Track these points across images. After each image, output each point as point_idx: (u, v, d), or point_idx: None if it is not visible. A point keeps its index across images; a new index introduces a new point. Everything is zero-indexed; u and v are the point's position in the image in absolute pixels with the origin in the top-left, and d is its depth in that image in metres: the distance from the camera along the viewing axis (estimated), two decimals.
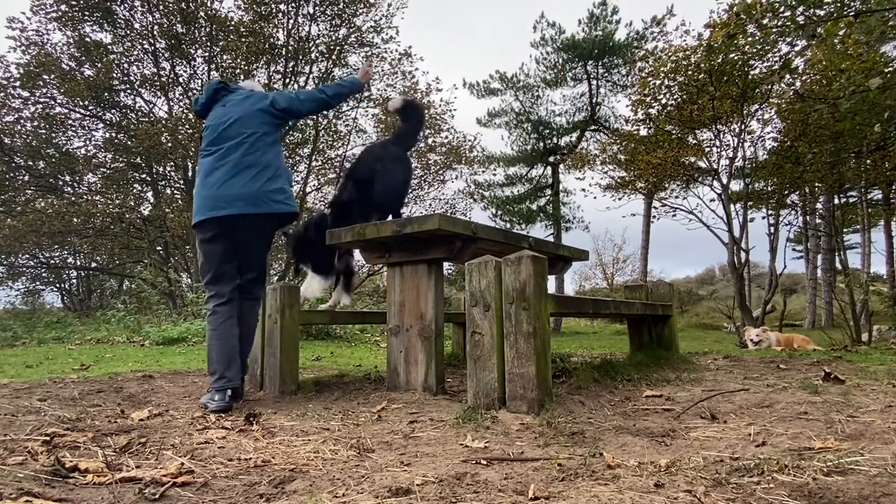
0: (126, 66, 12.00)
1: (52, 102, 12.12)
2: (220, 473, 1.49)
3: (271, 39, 12.26)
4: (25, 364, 4.52)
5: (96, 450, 1.68)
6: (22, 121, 11.98)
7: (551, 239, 17.07)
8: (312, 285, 3.26)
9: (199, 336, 6.84)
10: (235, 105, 2.86)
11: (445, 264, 3.09)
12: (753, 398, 2.50)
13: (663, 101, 9.96)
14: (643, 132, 11.21)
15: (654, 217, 14.17)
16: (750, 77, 8.63)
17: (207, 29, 11.59)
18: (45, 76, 11.50)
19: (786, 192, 10.14)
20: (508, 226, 18.25)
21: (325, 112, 2.98)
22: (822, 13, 5.72)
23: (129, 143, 11.54)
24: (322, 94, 3.02)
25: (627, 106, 12.02)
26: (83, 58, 11.83)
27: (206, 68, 12.17)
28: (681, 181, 12.41)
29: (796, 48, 7.73)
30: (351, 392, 2.99)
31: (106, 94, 11.89)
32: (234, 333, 2.69)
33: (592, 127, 18.69)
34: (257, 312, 2.96)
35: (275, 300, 3.03)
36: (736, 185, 11.39)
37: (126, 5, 11.44)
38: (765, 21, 6.16)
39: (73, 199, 11.74)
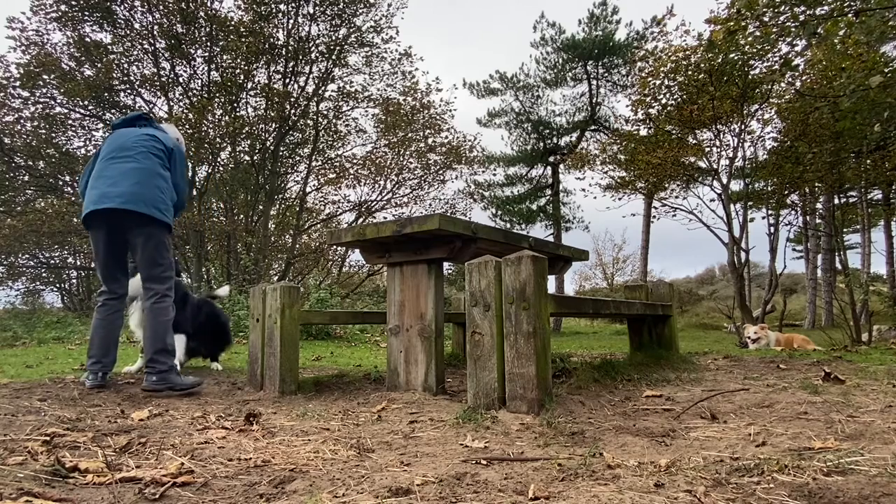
0: (126, 66, 11.98)
1: (52, 102, 12.11)
2: (220, 473, 1.49)
3: (271, 39, 12.25)
4: (25, 364, 4.52)
5: (96, 450, 1.68)
6: (22, 121, 11.97)
7: (551, 239, 17.07)
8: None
9: None
10: None
11: (445, 264, 3.09)
12: (753, 398, 2.50)
13: (663, 101, 9.96)
14: (643, 132, 11.22)
15: (654, 217, 14.17)
16: (750, 77, 8.63)
17: (207, 29, 11.58)
18: (45, 76, 11.48)
19: (786, 192, 10.13)
20: (508, 226, 18.26)
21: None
22: (822, 12, 5.72)
23: None
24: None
25: (627, 106, 12.02)
26: (83, 58, 11.81)
27: (206, 68, 12.16)
28: (681, 181, 12.41)
29: (797, 48, 7.74)
30: (351, 392, 2.99)
31: (106, 94, 11.88)
32: (119, 325, 3.12)
33: (592, 127, 18.69)
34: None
35: (275, 300, 3.03)
36: (736, 185, 11.39)
37: (126, 5, 11.43)
38: (766, 18, 6.16)
39: (73, 199, 11.73)
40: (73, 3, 11.28)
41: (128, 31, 11.74)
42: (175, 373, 2.88)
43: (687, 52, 9.12)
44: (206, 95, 11.89)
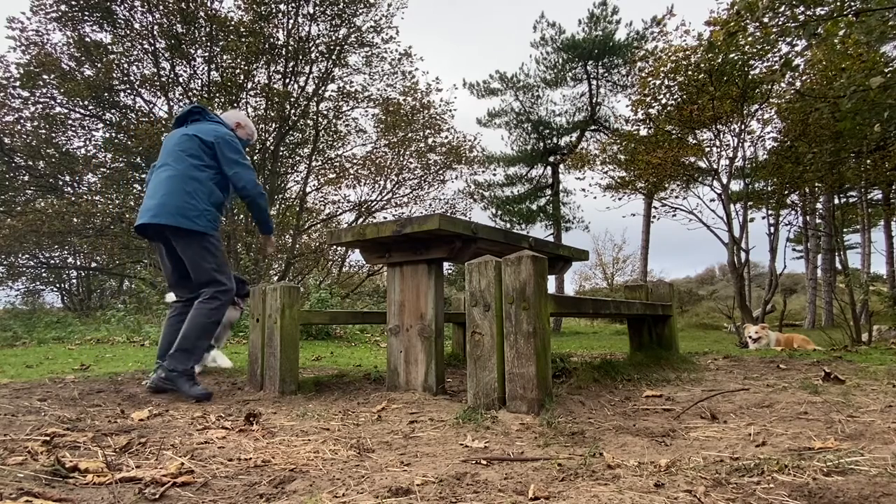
0: (126, 66, 11.99)
1: (52, 102, 12.11)
2: (220, 473, 1.49)
3: (271, 39, 12.25)
4: (25, 364, 4.52)
5: (96, 450, 1.68)
6: (22, 121, 11.96)
7: (551, 239, 17.07)
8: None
9: None
10: None
11: (445, 264, 3.09)
12: (753, 398, 2.50)
13: (663, 101, 9.96)
14: (643, 132, 11.21)
15: (654, 217, 14.17)
16: (750, 77, 8.63)
17: (207, 29, 11.58)
18: (45, 76, 11.48)
19: (786, 192, 10.13)
20: (508, 226, 18.25)
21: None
22: (822, 12, 5.72)
23: (129, 143, 11.54)
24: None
25: (627, 106, 12.03)
26: (83, 58, 11.82)
27: (206, 68, 12.17)
28: (681, 181, 12.41)
29: (797, 48, 7.74)
30: (351, 392, 2.99)
31: (106, 94, 11.88)
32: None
33: (592, 127, 18.69)
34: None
35: (275, 300, 3.03)
36: (736, 185, 11.39)
37: (126, 5, 11.43)
38: (765, 20, 6.17)
39: (73, 199, 11.73)
40: (73, 3, 11.28)
41: (128, 31, 11.74)
42: (186, 378, 2.77)
43: (687, 52, 9.12)
44: (206, 95, 11.90)
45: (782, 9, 5.97)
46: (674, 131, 10.47)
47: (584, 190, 23.88)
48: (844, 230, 15.12)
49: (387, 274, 3.06)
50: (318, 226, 15.46)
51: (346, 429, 2.06)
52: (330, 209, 15.57)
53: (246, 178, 3.06)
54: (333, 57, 12.92)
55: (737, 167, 9.94)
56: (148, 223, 2.88)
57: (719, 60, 8.41)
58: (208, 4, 11.46)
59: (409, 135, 14.21)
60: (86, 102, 12.07)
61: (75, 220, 11.55)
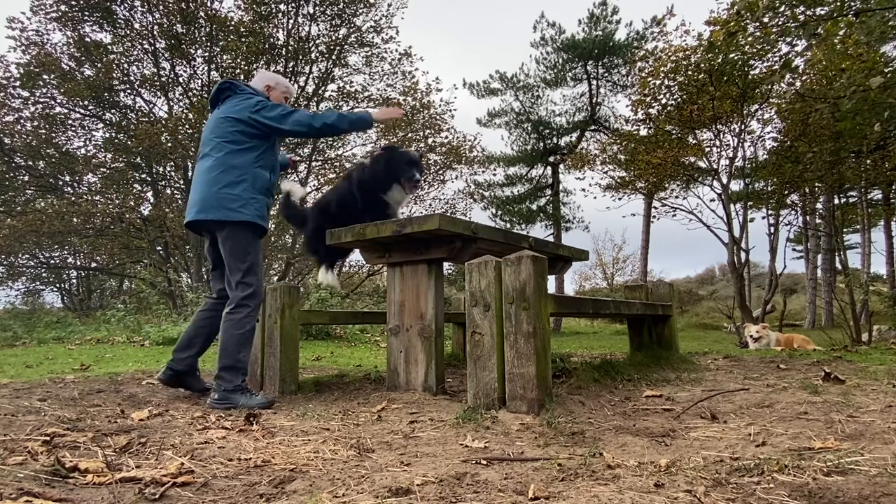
0: (126, 66, 12.00)
1: (52, 102, 12.12)
2: (220, 473, 1.49)
3: (271, 39, 12.26)
4: (25, 364, 4.53)
5: (96, 450, 1.68)
6: (22, 121, 11.98)
7: (551, 239, 17.06)
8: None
9: None
10: None
11: (445, 264, 3.09)
12: (753, 398, 2.50)
13: (663, 101, 9.96)
14: (643, 132, 11.22)
15: (654, 217, 14.17)
16: (750, 77, 8.63)
17: (207, 29, 11.59)
18: (45, 76, 11.50)
19: (786, 192, 10.13)
20: (508, 226, 18.24)
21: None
22: (822, 12, 5.73)
23: (129, 143, 11.55)
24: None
25: (627, 106, 12.04)
26: (83, 58, 11.83)
27: (206, 68, 12.17)
28: (681, 181, 12.41)
29: (797, 48, 7.74)
30: (351, 392, 2.99)
31: (106, 94, 11.89)
32: (208, 325, 2.94)
33: (592, 127, 18.68)
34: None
35: (275, 300, 3.03)
36: (736, 185, 11.39)
37: (126, 5, 11.44)
38: (765, 20, 6.17)
39: (73, 199, 11.74)
40: (73, 3, 11.29)
41: (128, 31, 11.75)
42: (240, 392, 2.60)
43: (687, 52, 9.12)
44: (206, 95, 11.90)
45: (782, 9, 5.98)
46: (674, 131, 10.47)
47: (584, 190, 23.92)
48: (844, 230, 15.12)
49: (387, 274, 3.05)
50: None
51: (346, 429, 2.06)
52: None
53: (303, 120, 2.81)
54: (333, 57, 12.92)
55: (737, 167, 9.95)
56: (194, 220, 2.76)
57: (719, 60, 8.41)
58: (208, 4, 11.47)
59: (409, 135, 14.21)
60: (86, 102, 12.09)
61: (75, 220, 11.56)
